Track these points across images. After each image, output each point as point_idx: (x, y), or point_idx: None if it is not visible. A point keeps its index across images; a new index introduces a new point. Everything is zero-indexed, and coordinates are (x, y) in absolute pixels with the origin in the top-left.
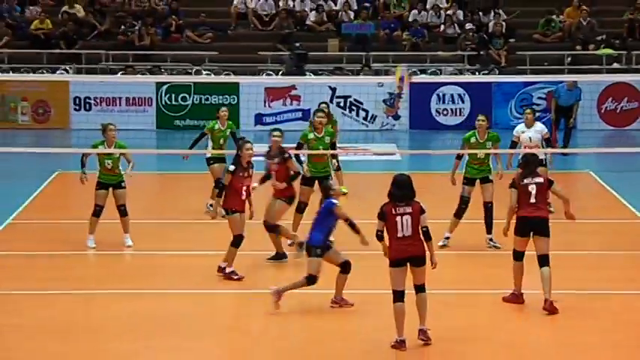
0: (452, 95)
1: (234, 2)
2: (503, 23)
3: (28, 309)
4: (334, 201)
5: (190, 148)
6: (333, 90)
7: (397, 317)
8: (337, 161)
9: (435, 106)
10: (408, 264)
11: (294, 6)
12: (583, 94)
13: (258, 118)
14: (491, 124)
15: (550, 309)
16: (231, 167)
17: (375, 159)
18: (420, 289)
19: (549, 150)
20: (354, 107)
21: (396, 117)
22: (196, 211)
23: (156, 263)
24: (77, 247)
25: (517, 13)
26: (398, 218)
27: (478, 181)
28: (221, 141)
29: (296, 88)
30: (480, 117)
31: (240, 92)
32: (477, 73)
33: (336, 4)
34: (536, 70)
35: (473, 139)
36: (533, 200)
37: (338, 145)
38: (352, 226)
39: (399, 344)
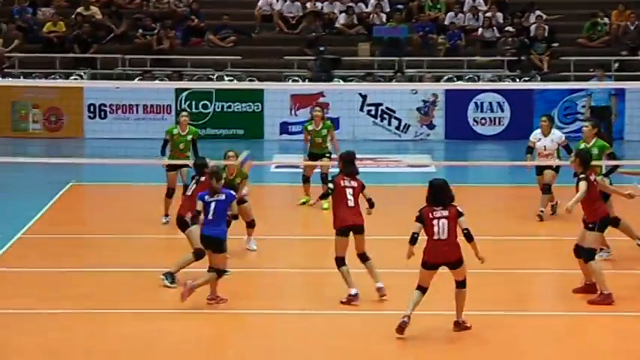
0: (490, 103)
1: (259, 4)
2: (546, 26)
3: (33, 329)
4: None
5: (161, 154)
6: (364, 97)
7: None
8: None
9: (472, 115)
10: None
11: (322, 8)
12: (631, 102)
13: (284, 127)
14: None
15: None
16: None
17: (408, 171)
18: (460, 284)
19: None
20: (385, 116)
21: (431, 126)
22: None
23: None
24: (89, 263)
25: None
26: (435, 222)
27: None
28: (181, 146)
29: (324, 96)
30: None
31: (264, 99)
32: (517, 80)
33: (367, 6)
34: (580, 77)
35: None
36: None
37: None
38: None
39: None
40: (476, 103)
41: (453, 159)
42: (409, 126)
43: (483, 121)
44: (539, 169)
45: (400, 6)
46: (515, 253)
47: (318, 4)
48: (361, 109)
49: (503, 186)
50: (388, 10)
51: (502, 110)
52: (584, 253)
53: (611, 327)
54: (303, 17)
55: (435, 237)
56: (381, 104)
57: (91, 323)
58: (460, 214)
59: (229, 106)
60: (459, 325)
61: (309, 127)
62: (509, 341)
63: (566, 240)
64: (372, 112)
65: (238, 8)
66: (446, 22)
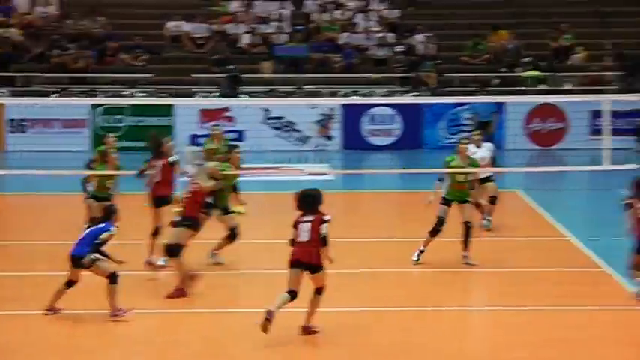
0: (383, 116)
1: (168, 25)
2: (433, 46)
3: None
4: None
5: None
6: (267, 111)
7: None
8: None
9: (366, 127)
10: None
11: (227, 29)
12: (510, 114)
13: (193, 139)
14: (422, 145)
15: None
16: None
17: (308, 179)
18: (317, 291)
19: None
20: (287, 128)
21: (329, 138)
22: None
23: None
24: (11, 267)
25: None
26: (300, 225)
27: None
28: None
29: (230, 110)
30: (462, 140)
31: (175, 114)
32: (407, 95)
33: (269, 27)
34: (464, 92)
35: (454, 163)
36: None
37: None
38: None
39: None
40: (370, 116)
41: (349, 168)
42: (309, 137)
43: (377, 132)
44: (482, 181)
45: (300, 27)
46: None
47: (224, 26)
48: (265, 123)
49: (395, 192)
50: (289, 30)
51: (394, 123)
52: (170, 250)
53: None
54: (209, 38)
55: (298, 239)
56: (283, 118)
57: (14, 323)
58: (323, 222)
59: (142, 121)
60: (307, 329)
61: (211, 146)
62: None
63: (447, 241)
64: (275, 125)
65: (149, 30)
66: (342, 42)
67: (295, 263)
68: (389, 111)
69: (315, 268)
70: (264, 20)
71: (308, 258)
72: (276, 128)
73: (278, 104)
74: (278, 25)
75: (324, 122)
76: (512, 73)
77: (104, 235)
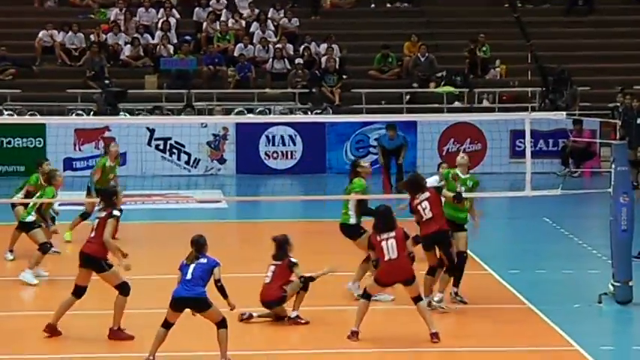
0: (282, 137)
1: (39, 35)
2: (337, 58)
3: None
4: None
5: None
6: (152, 131)
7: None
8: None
9: (263, 149)
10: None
11: (106, 39)
12: (422, 134)
13: (68, 163)
14: (325, 169)
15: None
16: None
17: (198, 207)
18: (415, 299)
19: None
20: (175, 150)
21: (222, 160)
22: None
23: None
24: None
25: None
26: (383, 243)
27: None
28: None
29: (110, 130)
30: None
31: (47, 134)
32: (309, 113)
33: (153, 38)
34: (372, 110)
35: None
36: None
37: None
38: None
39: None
40: (267, 136)
41: (244, 194)
42: (199, 160)
43: (275, 155)
44: None
45: (188, 37)
46: None
47: (102, 35)
48: (149, 144)
49: (296, 221)
50: (175, 41)
51: (294, 144)
52: None
53: None
54: (86, 49)
55: (386, 258)
56: (169, 138)
57: None
58: (407, 236)
59: (9, 142)
60: (435, 336)
61: (107, 163)
62: None
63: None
64: (161, 147)
65: (17, 40)
66: (235, 54)
67: (390, 283)
68: (288, 130)
69: (411, 280)
70: (147, 29)
71: (404, 275)
72: (162, 150)
73: (164, 123)
74: (163, 34)
75: (216, 143)
76: (424, 89)
77: (217, 270)
